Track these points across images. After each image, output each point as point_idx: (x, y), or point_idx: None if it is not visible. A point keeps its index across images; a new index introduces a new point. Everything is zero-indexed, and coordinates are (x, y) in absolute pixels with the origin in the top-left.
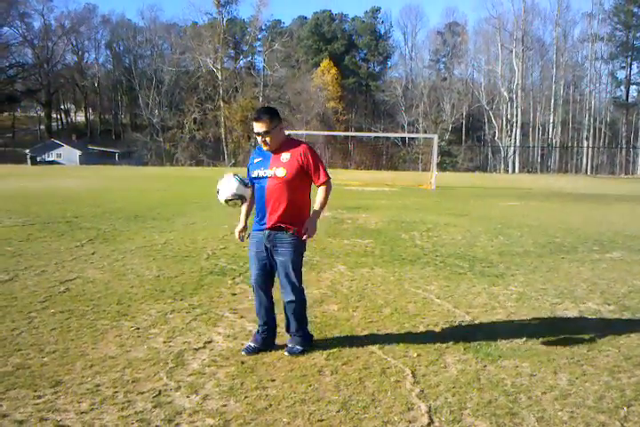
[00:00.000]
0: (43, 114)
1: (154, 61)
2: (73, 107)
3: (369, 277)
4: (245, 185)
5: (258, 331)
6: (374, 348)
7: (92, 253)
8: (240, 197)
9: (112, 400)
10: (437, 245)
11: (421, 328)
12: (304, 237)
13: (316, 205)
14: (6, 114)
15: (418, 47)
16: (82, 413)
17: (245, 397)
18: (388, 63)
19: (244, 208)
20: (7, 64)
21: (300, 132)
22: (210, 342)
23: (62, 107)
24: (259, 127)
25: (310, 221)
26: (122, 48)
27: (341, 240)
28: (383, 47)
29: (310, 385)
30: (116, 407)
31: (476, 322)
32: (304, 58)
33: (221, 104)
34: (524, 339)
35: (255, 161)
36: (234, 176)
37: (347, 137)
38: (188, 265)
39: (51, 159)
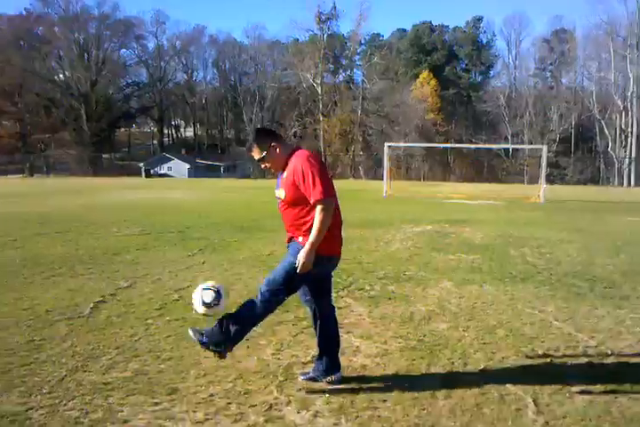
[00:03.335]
0: (155, 129)
1: (257, 78)
2: (182, 122)
3: (478, 295)
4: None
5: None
6: (490, 372)
7: (203, 263)
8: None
9: (225, 411)
10: (551, 262)
11: (541, 353)
12: (297, 270)
13: (311, 234)
14: (123, 130)
15: (522, 56)
16: (197, 422)
17: (357, 416)
18: (491, 73)
19: None
20: (124, 83)
21: (398, 144)
22: None
23: (173, 123)
24: (253, 156)
25: (301, 253)
26: (227, 66)
27: (446, 255)
28: (485, 57)
29: (424, 409)
30: (229, 419)
31: (602, 348)
32: (403, 70)
33: (321, 118)
34: None
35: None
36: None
37: (446, 149)
38: None
39: (162, 172)
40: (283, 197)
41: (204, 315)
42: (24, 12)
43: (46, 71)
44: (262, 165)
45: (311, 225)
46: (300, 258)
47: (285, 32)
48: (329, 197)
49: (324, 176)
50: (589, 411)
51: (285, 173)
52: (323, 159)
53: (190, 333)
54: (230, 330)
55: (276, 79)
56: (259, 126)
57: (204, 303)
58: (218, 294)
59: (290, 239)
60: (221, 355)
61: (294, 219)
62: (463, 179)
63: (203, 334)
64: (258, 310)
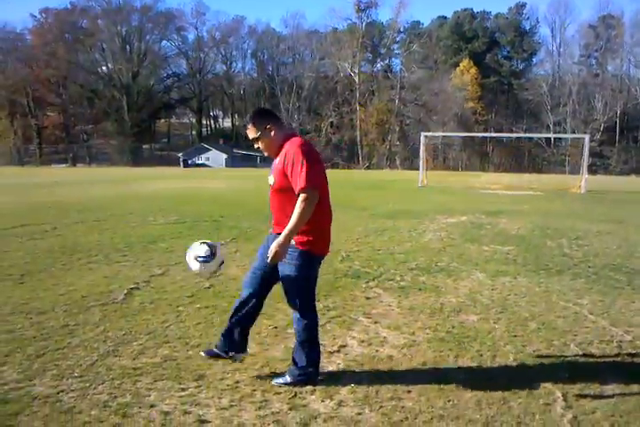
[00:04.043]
0: (194, 120)
1: (295, 68)
2: (221, 113)
3: (511, 287)
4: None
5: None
6: (519, 365)
7: (235, 252)
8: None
9: (250, 398)
10: (589, 254)
11: (573, 347)
12: (268, 260)
13: (289, 224)
14: (163, 121)
15: (567, 42)
16: (222, 409)
17: (380, 406)
18: (533, 60)
19: None
20: (165, 75)
21: (436, 133)
22: (344, 346)
23: (211, 113)
24: (248, 134)
25: (275, 243)
26: (266, 56)
27: (480, 246)
28: (528, 44)
29: (449, 400)
30: (253, 406)
31: (637, 343)
32: (443, 58)
33: (357, 107)
34: None
35: None
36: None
37: (485, 138)
38: (323, 267)
39: (200, 162)
40: (272, 182)
41: (196, 273)
42: (69, 6)
43: (90, 63)
44: (255, 146)
45: (314, 218)
46: (274, 248)
47: (324, 21)
48: (313, 187)
49: (313, 166)
50: (620, 406)
51: (276, 160)
52: (359, 148)
53: (274, 382)
54: (311, 356)
55: (313, 69)
56: (259, 107)
57: (197, 257)
58: (211, 249)
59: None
60: (312, 380)
61: (280, 207)
62: (502, 169)
63: (291, 380)
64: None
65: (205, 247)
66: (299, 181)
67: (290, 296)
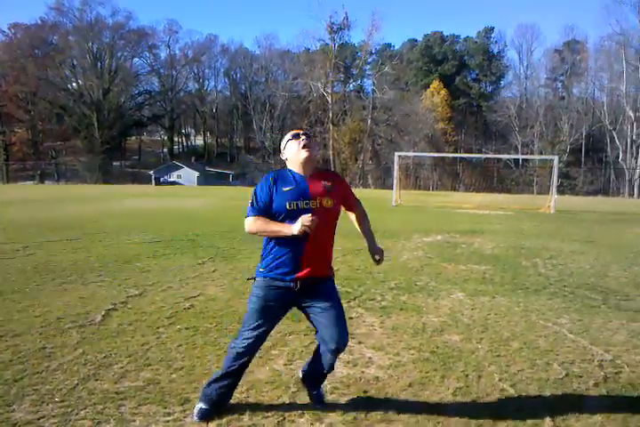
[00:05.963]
0: (166, 138)
1: (268, 87)
2: (193, 131)
3: (491, 307)
4: None
5: (216, 391)
6: (505, 385)
7: (213, 271)
8: None
9: (238, 422)
10: (564, 274)
11: (556, 366)
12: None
13: (368, 230)
14: (134, 138)
15: (533, 66)
16: None
17: None
18: (501, 83)
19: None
20: (136, 92)
21: (409, 153)
22: None
23: (183, 131)
24: (312, 145)
25: (381, 252)
26: (239, 75)
27: (457, 265)
28: (496, 67)
29: (439, 422)
30: None
31: (618, 362)
32: (413, 80)
33: (330, 127)
34: None
35: (285, 189)
36: None
37: (455, 159)
38: None
39: (172, 180)
40: (332, 205)
41: None
42: (39, 22)
43: (60, 79)
44: (306, 141)
45: (331, 245)
46: (383, 255)
47: (297, 42)
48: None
49: None
50: (607, 426)
51: (326, 183)
52: (332, 167)
53: (319, 403)
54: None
55: (286, 88)
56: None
57: None
58: None
59: (314, 275)
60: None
61: (328, 243)
62: (473, 189)
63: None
64: None
65: None
66: (356, 199)
67: (345, 319)
